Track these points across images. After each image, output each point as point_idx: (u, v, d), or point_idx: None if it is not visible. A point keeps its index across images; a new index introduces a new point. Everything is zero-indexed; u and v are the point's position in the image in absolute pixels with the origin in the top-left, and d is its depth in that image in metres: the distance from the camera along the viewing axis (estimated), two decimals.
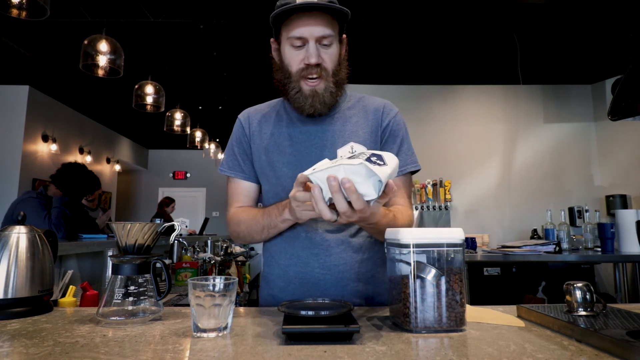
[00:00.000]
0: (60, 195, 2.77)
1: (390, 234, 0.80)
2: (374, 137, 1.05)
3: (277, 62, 1.03)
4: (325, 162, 0.73)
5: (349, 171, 0.68)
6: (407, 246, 0.73)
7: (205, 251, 2.88)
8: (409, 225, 1.01)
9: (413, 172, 1.09)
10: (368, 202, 0.70)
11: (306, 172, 0.72)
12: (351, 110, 1.08)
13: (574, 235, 3.34)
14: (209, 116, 6.20)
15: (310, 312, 0.68)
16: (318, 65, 0.96)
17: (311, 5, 0.92)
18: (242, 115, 1.14)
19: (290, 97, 1.01)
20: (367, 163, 0.67)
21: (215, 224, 8.15)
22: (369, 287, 1.03)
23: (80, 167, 2.91)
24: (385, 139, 1.06)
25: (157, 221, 2.74)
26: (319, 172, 0.70)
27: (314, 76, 0.97)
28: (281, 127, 1.08)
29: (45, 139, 5.52)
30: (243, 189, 1.11)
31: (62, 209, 2.68)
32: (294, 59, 0.98)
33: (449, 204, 3.94)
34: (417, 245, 0.73)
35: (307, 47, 0.96)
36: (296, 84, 0.98)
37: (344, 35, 1.05)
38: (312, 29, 0.94)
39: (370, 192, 0.69)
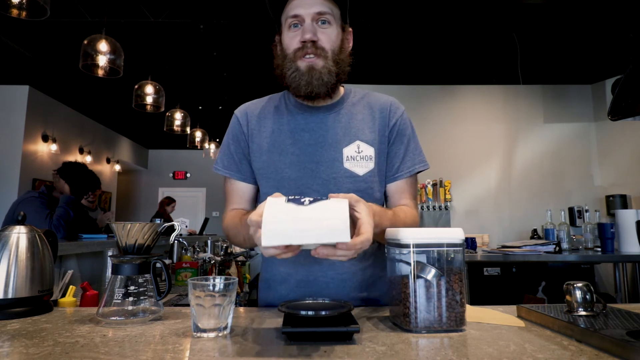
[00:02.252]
0: (68, 193, 2.77)
1: (390, 234, 0.80)
2: (380, 136, 1.01)
3: (277, 52, 1.01)
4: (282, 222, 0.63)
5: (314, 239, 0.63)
6: (407, 246, 0.73)
7: (205, 251, 2.88)
8: (412, 226, 0.97)
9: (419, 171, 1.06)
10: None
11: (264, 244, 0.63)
12: (356, 106, 1.04)
13: (574, 235, 3.34)
14: (209, 116, 6.20)
15: (310, 312, 0.68)
16: (314, 42, 0.92)
17: None
18: (239, 111, 1.07)
19: (287, 80, 0.96)
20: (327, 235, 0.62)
21: (215, 224, 8.12)
22: (371, 293, 1.01)
23: (81, 166, 2.92)
24: (392, 139, 1.02)
25: (157, 221, 2.74)
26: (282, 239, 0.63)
27: (311, 55, 0.93)
28: (282, 124, 1.02)
29: (45, 139, 5.52)
30: (238, 190, 1.05)
31: (67, 209, 2.67)
32: (291, 40, 0.95)
33: (449, 204, 3.94)
34: (417, 245, 0.73)
35: (304, 25, 0.93)
36: (292, 63, 0.94)
37: (350, 29, 1.03)
38: (308, 6, 0.93)
39: (343, 237, 0.63)
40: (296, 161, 0.99)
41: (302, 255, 0.98)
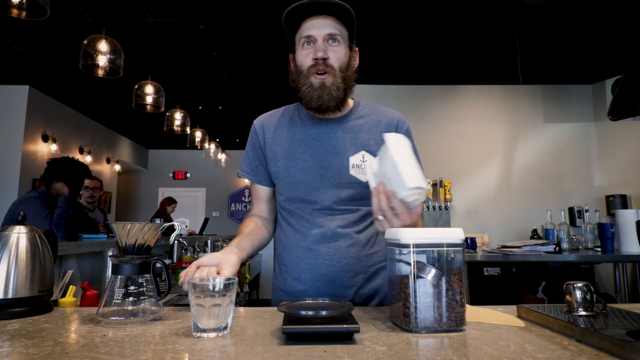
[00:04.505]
0: (67, 193, 2.77)
1: (390, 234, 0.80)
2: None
3: (292, 69, 1.11)
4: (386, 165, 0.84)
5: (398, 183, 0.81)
6: (407, 246, 0.73)
7: (205, 251, 2.88)
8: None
9: None
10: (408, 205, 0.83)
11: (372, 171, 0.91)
12: (364, 118, 1.14)
13: (574, 235, 3.34)
14: (209, 116, 6.19)
15: (310, 312, 0.68)
16: (325, 60, 1.03)
17: (316, 2, 1.01)
18: (257, 122, 1.20)
19: (301, 94, 1.07)
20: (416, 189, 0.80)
21: (215, 224, 8.13)
22: (374, 280, 1.10)
23: (65, 158, 2.92)
24: None
25: (157, 221, 2.73)
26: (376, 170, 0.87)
27: (322, 71, 1.04)
28: (295, 134, 1.13)
29: (45, 139, 5.52)
30: (256, 191, 1.21)
31: (66, 210, 2.67)
32: (305, 58, 1.06)
33: (449, 204, 3.94)
34: (417, 245, 0.73)
35: (316, 44, 1.04)
36: (306, 79, 1.05)
37: (357, 48, 1.13)
38: (320, 28, 1.04)
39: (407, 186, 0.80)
40: (307, 167, 1.09)
41: (310, 241, 1.09)
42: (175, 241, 2.42)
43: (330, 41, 1.04)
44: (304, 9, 1.03)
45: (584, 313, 0.73)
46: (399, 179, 0.80)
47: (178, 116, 4.52)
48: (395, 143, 0.84)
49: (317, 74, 1.04)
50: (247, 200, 8.72)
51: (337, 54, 1.05)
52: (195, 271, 0.89)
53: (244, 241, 1.07)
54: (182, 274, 0.88)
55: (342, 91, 1.06)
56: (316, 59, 1.03)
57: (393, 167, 0.81)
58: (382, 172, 0.86)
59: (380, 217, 0.84)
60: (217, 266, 0.93)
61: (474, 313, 0.84)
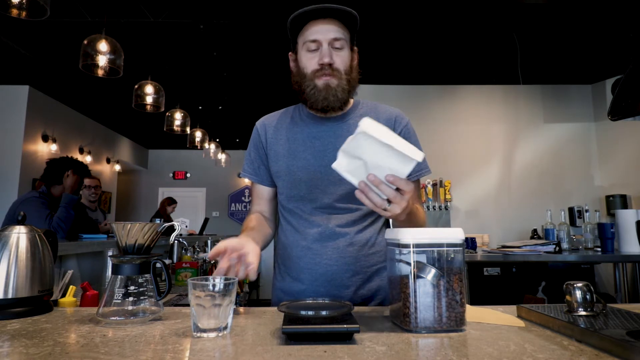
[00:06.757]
0: (75, 186, 2.77)
1: (390, 234, 0.80)
2: None
3: (294, 70, 1.12)
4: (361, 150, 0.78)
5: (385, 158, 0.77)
6: (407, 246, 0.73)
7: (205, 251, 2.88)
8: (424, 220, 1.09)
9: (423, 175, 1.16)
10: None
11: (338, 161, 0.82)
12: (364, 116, 1.13)
13: (574, 235, 3.34)
14: (209, 116, 6.19)
15: (310, 312, 0.68)
16: (330, 65, 1.05)
17: (324, 7, 1.02)
18: (259, 123, 1.22)
19: (306, 96, 1.08)
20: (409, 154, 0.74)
21: (215, 224, 8.13)
22: (373, 281, 1.10)
23: (64, 158, 2.93)
24: None
25: (157, 221, 2.74)
26: (354, 165, 0.80)
27: (328, 75, 1.05)
28: (296, 133, 1.14)
29: (45, 139, 5.52)
30: (258, 191, 1.22)
31: (68, 209, 2.67)
32: (309, 62, 1.07)
33: (449, 204, 3.94)
34: (417, 245, 0.73)
35: (321, 49, 1.05)
36: (311, 82, 1.06)
37: (356, 48, 1.14)
38: (325, 32, 1.04)
39: (405, 171, 0.77)
40: (307, 165, 1.10)
41: (309, 240, 1.09)
42: (175, 241, 2.41)
43: (335, 46, 1.05)
44: (309, 12, 1.04)
45: (584, 313, 0.73)
46: (401, 158, 0.75)
47: (178, 116, 4.52)
48: (373, 126, 0.77)
49: (323, 77, 1.05)
50: (247, 200, 8.72)
51: (342, 58, 1.06)
52: (225, 254, 0.85)
53: (254, 234, 1.04)
54: (214, 250, 0.85)
55: (347, 93, 1.07)
56: (322, 64, 1.04)
57: (384, 150, 0.76)
58: (363, 163, 0.79)
59: (387, 206, 0.79)
60: (242, 249, 0.88)
61: (474, 313, 0.84)
